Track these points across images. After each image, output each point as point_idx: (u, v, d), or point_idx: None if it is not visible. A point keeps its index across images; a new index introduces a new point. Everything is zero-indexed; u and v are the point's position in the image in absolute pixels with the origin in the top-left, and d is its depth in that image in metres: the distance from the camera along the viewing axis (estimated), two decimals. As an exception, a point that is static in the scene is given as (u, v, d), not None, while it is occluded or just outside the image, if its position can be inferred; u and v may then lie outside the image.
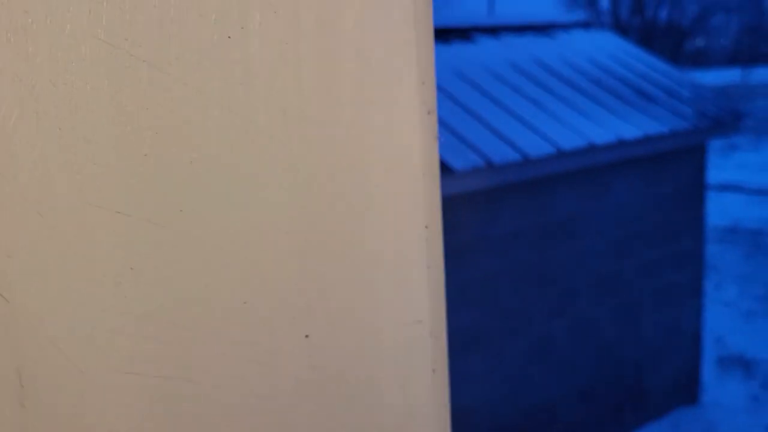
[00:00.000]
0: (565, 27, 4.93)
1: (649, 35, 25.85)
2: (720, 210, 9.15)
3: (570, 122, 3.67)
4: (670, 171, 4.24)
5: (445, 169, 3.14)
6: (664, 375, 4.57)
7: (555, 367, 3.94)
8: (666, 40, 26.74)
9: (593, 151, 3.53)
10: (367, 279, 0.38)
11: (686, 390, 4.75)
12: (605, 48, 4.76)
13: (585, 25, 5.04)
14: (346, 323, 0.39)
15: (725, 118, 4.32)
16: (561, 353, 3.95)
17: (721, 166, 13.20)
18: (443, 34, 4.45)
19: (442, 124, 3.48)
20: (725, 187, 10.30)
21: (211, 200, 0.36)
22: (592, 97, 4.03)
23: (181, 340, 0.36)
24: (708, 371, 5.16)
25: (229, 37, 0.36)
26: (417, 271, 0.39)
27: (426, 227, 0.40)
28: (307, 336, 0.37)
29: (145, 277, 0.35)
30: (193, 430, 0.36)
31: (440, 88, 3.83)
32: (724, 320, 6.18)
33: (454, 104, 3.70)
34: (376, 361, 0.40)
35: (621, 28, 25.21)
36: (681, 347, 4.64)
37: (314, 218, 0.37)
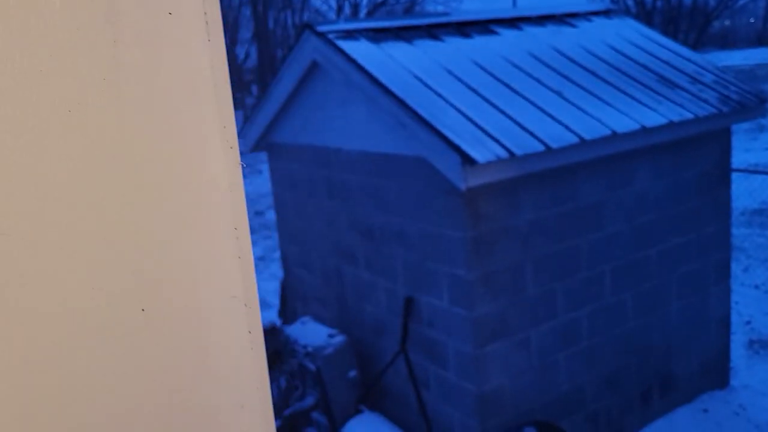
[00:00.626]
0: (587, 15, 4.93)
1: (674, 18, 25.46)
2: (748, 192, 9.04)
3: (592, 111, 3.68)
4: (694, 156, 4.23)
5: (468, 160, 3.18)
6: (693, 359, 4.58)
7: (582, 354, 3.97)
8: (691, 22, 26.32)
9: (616, 139, 3.55)
10: (195, 268, 0.52)
11: (715, 374, 4.76)
12: (627, 35, 4.75)
13: (606, 13, 5.03)
14: (179, 299, 0.51)
15: (750, 101, 4.30)
16: (588, 340, 3.99)
17: (749, 148, 13.01)
18: (464, 27, 4.48)
19: (464, 116, 3.52)
20: (754, 169, 10.16)
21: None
22: (613, 85, 4.04)
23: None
24: (737, 354, 5.15)
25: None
26: (230, 260, 0.53)
27: (235, 229, 0.54)
28: (143, 309, 0.50)
29: None
30: None
31: (461, 81, 3.86)
32: (753, 303, 6.14)
33: (476, 96, 3.73)
34: (204, 327, 0.53)
35: (645, 13, 24.85)
36: (709, 331, 4.64)
37: (144, 229, 0.49)
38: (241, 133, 5.61)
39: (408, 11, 36.55)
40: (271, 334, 4.79)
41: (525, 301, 3.68)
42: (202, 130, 0.51)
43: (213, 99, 0.52)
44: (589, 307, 3.91)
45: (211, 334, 0.53)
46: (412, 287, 4.02)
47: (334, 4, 38.89)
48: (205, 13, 0.51)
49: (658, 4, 26.82)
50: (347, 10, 37.33)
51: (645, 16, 25.15)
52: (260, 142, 5.49)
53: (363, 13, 36.89)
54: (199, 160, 0.51)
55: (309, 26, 4.26)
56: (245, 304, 0.55)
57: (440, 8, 35.57)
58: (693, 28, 26.08)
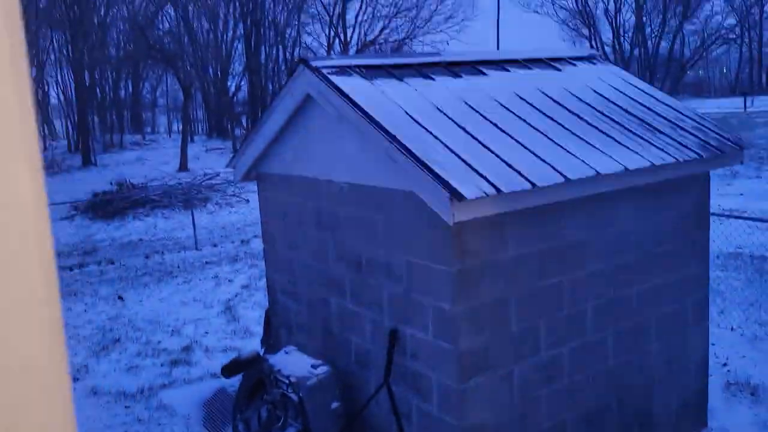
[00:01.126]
0: (571, 60, 5.10)
1: (650, 66, 26.16)
2: (724, 236, 9.23)
3: (576, 152, 3.80)
4: (674, 199, 4.36)
5: (457, 195, 3.27)
6: (672, 399, 4.63)
7: (564, 390, 4.02)
8: (667, 71, 27.04)
9: (599, 179, 3.66)
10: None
11: (694, 414, 4.81)
12: (610, 80, 4.91)
13: (590, 59, 5.21)
14: None
15: (728, 147, 4.45)
16: (569, 377, 4.04)
17: (724, 193, 13.29)
18: (454, 67, 4.62)
19: (452, 153, 3.62)
20: (729, 214, 10.38)
21: None
22: (597, 128, 4.17)
23: None
24: (714, 396, 5.22)
25: None
26: (27, 271, 0.54)
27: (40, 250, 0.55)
28: None
29: None
30: None
31: (450, 119, 3.97)
32: (729, 345, 6.24)
33: (465, 134, 3.84)
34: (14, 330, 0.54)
35: (623, 60, 25.52)
36: (689, 371, 4.71)
37: None
38: (231, 163, 5.68)
39: (396, 51, 37.17)
40: (254, 362, 4.78)
41: (508, 336, 3.73)
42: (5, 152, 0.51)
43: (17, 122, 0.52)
44: (571, 344, 3.97)
45: (15, 334, 0.53)
46: (398, 319, 4.06)
47: (324, 41, 39.48)
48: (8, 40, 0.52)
49: (636, 52, 27.57)
50: (338, 47, 37.87)
51: (622, 64, 25.86)
52: (250, 172, 5.56)
53: (353, 50, 37.45)
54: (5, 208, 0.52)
55: (304, 61, 4.37)
56: (44, 304, 0.55)
57: (428, 49, 36.23)
58: (669, 77, 26.80)
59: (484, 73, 4.65)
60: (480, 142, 3.78)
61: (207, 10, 36.01)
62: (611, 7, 27.50)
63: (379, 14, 37.41)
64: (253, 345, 7.00)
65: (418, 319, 3.87)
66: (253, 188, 9.37)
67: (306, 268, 5.01)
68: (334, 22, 38.03)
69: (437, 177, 3.37)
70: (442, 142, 3.70)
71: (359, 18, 37.93)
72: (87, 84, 35.38)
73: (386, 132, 3.70)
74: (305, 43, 41.41)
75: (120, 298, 9.23)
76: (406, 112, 3.94)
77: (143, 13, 35.71)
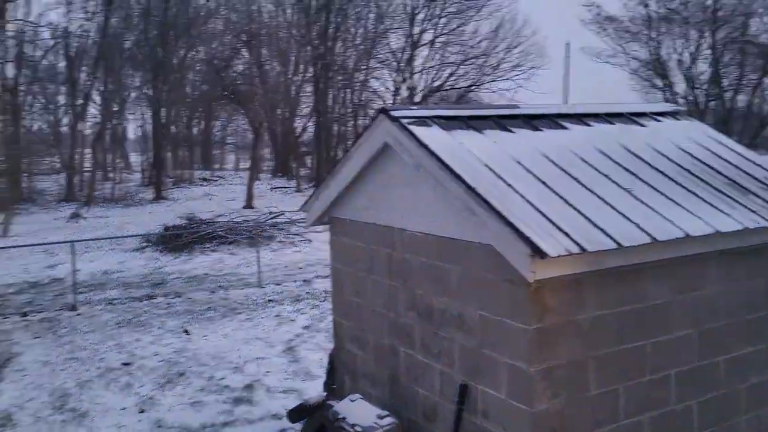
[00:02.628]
0: (654, 115, 4.99)
1: (726, 119, 25.43)
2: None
3: (663, 211, 3.68)
4: (765, 264, 4.14)
5: (538, 252, 3.19)
6: (758, 478, 4.33)
7: (642, 461, 3.81)
8: (745, 124, 26.22)
9: (688, 242, 3.52)
10: None
11: (782, 496, 4.47)
12: (695, 137, 4.77)
13: (674, 114, 5.08)
14: None
15: (822, 212, 4.22)
16: (648, 447, 3.83)
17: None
18: (533, 120, 4.58)
19: (533, 207, 3.56)
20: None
21: None
22: (683, 186, 4.03)
23: None
24: (805, 477, 4.84)
25: None
26: None
27: None
28: None
29: None
30: None
31: (530, 172, 3.92)
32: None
33: (545, 188, 3.78)
34: None
35: (698, 112, 24.92)
36: (776, 449, 4.40)
37: None
38: (305, 207, 5.75)
39: (461, 98, 37.41)
40: (320, 408, 4.74)
41: (586, 400, 3.58)
42: None
43: None
44: (653, 412, 3.78)
45: None
46: (469, 374, 3.96)
47: (391, 86, 40.12)
48: None
49: (711, 104, 26.86)
50: (404, 92, 38.37)
51: (697, 116, 25.21)
52: (323, 216, 5.62)
53: (419, 96, 37.88)
54: None
55: (383, 110, 4.42)
56: None
57: (494, 97, 36.28)
58: (747, 130, 25.94)
59: (564, 127, 4.59)
60: (561, 198, 3.71)
61: (279, 53, 37.26)
62: (686, 58, 27.00)
63: (446, 61, 37.83)
64: (314, 388, 6.97)
65: (490, 376, 3.77)
66: (316, 229, 9.49)
67: (374, 315, 4.98)
68: (402, 68, 38.64)
69: (518, 232, 3.31)
70: (522, 196, 3.65)
71: (427, 64, 38.43)
72: (163, 121, 36.94)
73: (465, 183, 3.68)
74: (372, 87, 42.17)
75: (186, 332, 9.39)
76: (485, 164, 3.92)
77: (220, 56, 37.24)
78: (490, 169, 3.84)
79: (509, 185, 3.71)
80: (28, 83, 34.70)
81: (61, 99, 40.44)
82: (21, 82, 32.95)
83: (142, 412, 6.54)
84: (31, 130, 37.05)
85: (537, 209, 3.53)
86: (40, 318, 10.52)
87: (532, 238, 3.24)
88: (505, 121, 4.52)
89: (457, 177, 3.70)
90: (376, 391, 5.01)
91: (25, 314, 10.80)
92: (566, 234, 3.36)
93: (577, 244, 3.29)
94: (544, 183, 3.81)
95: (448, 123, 4.36)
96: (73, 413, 6.55)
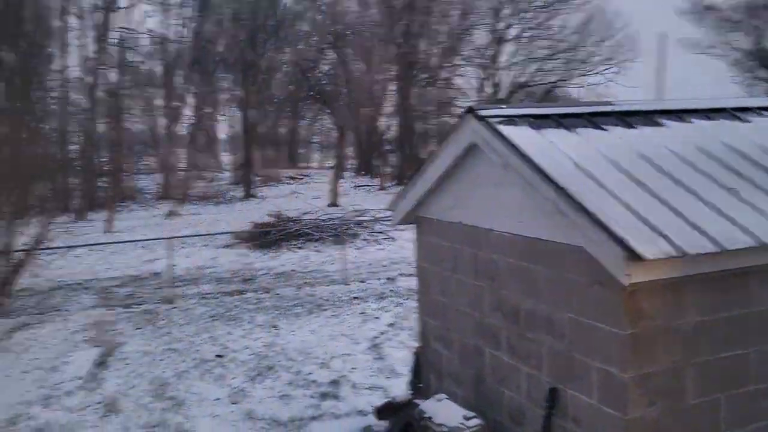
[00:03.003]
0: (760, 110, 4.71)
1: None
2: None
3: (770, 213, 3.47)
4: None
5: (634, 255, 3.09)
6: None
7: (745, 475, 3.62)
8: None
9: (799, 245, 3.31)
10: None
11: None
12: (806, 133, 4.47)
13: (782, 109, 4.78)
14: None
15: None
16: (752, 461, 3.63)
17: None
18: (627, 117, 4.43)
19: (628, 208, 3.44)
20: None
21: None
22: (793, 186, 3.79)
23: None
24: None
25: None
26: None
27: None
28: None
29: None
30: None
31: (625, 172, 3.80)
32: None
33: (641, 188, 3.65)
34: None
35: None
36: None
37: None
38: (391, 206, 5.81)
39: (548, 93, 36.58)
40: (406, 406, 4.78)
41: (684, 410, 3.44)
42: None
43: None
44: (757, 423, 3.58)
45: None
46: (558, 378, 3.89)
47: (475, 83, 39.75)
48: None
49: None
50: (488, 89, 37.94)
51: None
52: (409, 215, 5.65)
53: (504, 92, 37.34)
54: None
55: (471, 110, 4.40)
56: None
57: (582, 92, 35.25)
58: None
59: (660, 124, 4.42)
60: (658, 198, 3.57)
61: (364, 52, 37.67)
62: (792, 47, 25.31)
63: (533, 57, 37.08)
64: (398, 385, 7.03)
65: (581, 381, 3.68)
66: (400, 227, 9.58)
67: (460, 315, 4.97)
68: (486, 64, 38.20)
69: (612, 234, 3.22)
70: (615, 197, 3.54)
71: (512, 60, 37.81)
72: (252, 122, 38.16)
73: (555, 183, 3.61)
74: (456, 85, 41.92)
75: (275, 327, 9.68)
76: (576, 164, 3.83)
77: (306, 56, 38.10)
78: (582, 169, 3.75)
79: (602, 186, 3.61)
80: (128, 87, 36.69)
81: (158, 102, 42.55)
82: (122, 87, 34.90)
83: (234, 403, 6.80)
84: (130, 131, 39.15)
85: (632, 210, 3.41)
86: (140, 310, 11.12)
87: (627, 240, 3.14)
88: (597, 119, 4.39)
89: (548, 177, 3.63)
90: (461, 390, 5.00)
91: (127, 306, 11.44)
92: (664, 236, 3.23)
93: (676, 247, 3.16)
94: (639, 183, 3.68)
95: (538, 122, 4.28)
96: (171, 401, 6.89)
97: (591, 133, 4.23)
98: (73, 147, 29.11)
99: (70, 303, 11.84)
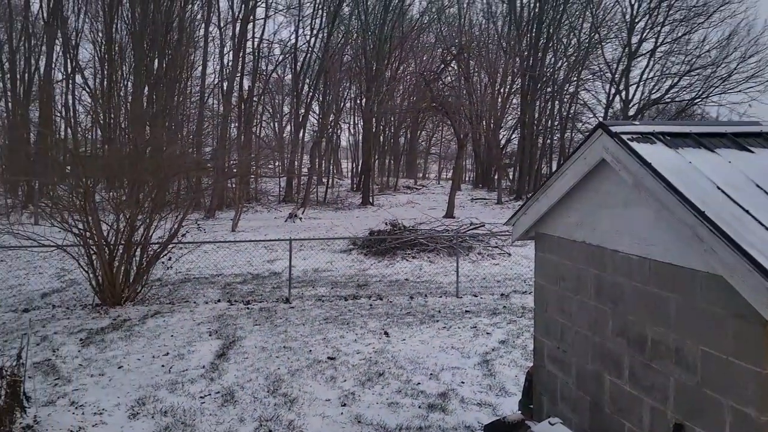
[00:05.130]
0: None
1: None
2: None
3: None
4: None
5: (780, 289, 2.85)
6: None
7: None
8: None
9: None
10: None
11: None
12: None
13: None
14: None
15: None
16: None
17: None
18: (743, 138, 4.10)
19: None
20: None
21: None
22: None
23: None
24: None
25: None
26: None
27: None
28: None
29: None
30: None
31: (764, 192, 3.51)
32: None
33: (790, 217, 3.36)
34: None
35: None
36: None
37: None
38: (511, 221, 5.70)
39: (683, 111, 34.60)
40: (518, 427, 4.67)
41: (831, 462, 3.11)
42: None
43: None
44: None
45: None
46: (684, 413, 3.64)
47: (603, 98, 38.34)
48: None
49: None
50: (618, 105, 36.45)
51: None
52: (529, 231, 5.53)
53: (633, 109, 35.74)
54: None
55: (602, 125, 4.24)
56: None
57: (723, 111, 33.04)
58: None
59: (813, 148, 4.04)
60: (810, 228, 3.27)
61: (488, 64, 37.43)
62: None
63: (668, 72, 35.27)
64: (508, 404, 6.88)
65: (710, 419, 3.43)
66: (516, 243, 9.40)
67: (578, 338, 4.79)
68: (616, 79, 36.77)
69: (754, 263, 2.98)
70: (761, 223, 3.28)
71: (645, 75, 36.16)
72: (373, 130, 38.96)
73: (692, 205, 3.40)
74: (582, 99, 40.68)
75: (386, 333, 9.78)
76: (717, 186, 3.59)
77: (429, 68, 38.41)
78: (724, 192, 3.51)
79: (746, 211, 3.35)
80: (259, 94, 38.63)
81: (286, 109, 44.45)
82: (254, 94, 36.79)
83: (344, 405, 6.93)
84: (259, 136, 41.18)
85: (779, 239, 3.14)
86: (259, 307, 11.62)
87: (773, 271, 2.90)
88: (742, 140, 4.10)
89: (684, 199, 3.43)
90: (576, 416, 4.81)
91: (248, 302, 12.00)
92: (816, 270, 2.95)
93: (830, 283, 2.87)
94: (788, 210, 3.39)
95: (675, 140, 4.06)
96: (284, 398, 7.13)
97: (735, 154, 3.95)
98: (207, 149, 31.03)
99: (197, 295, 12.59)
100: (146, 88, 31.79)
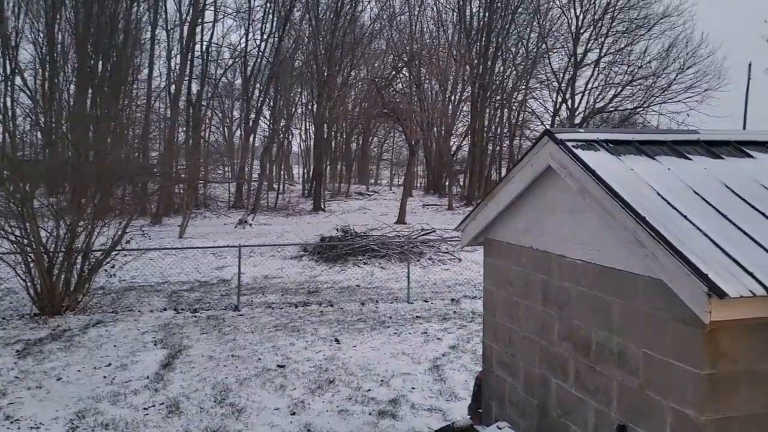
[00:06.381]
0: None
1: None
2: None
3: None
4: None
5: (717, 292, 2.93)
6: None
7: None
8: None
9: None
10: None
11: None
12: None
13: None
14: None
15: None
16: None
17: None
18: (713, 147, 4.24)
19: (712, 242, 3.27)
20: None
21: None
22: None
23: None
24: None
25: None
26: None
27: None
28: None
29: None
30: None
31: (710, 204, 3.62)
32: None
33: (726, 222, 3.47)
34: None
35: None
36: None
37: None
38: (460, 227, 5.74)
39: (625, 120, 35.66)
40: (466, 433, 4.68)
41: (766, 460, 3.21)
42: None
43: None
44: None
45: None
46: (627, 415, 3.72)
47: (551, 106, 39.19)
48: None
49: None
50: (564, 113, 37.31)
51: None
52: (478, 237, 5.57)
53: (579, 117, 36.64)
54: None
55: (548, 132, 4.31)
56: None
57: (663, 120, 34.17)
58: None
59: (750, 155, 4.20)
60: (744, 233, 3.38)
61: (438, 72, 37.80)
62: None
63: (611, 82, 36.31)
64: (458, 409, 6.91)
65: (652, 420, 3.51)
66: (466, 248, 9.47)
67: (527, 342, 4.84)
68: (563, 88, 37.64)
69: (693, 268, 3.06)
70: (699, 229, 3.37)
71: (589, 85, 37.13)
72: (325, 136, 38.84)
73: (634, 212, 3.47)
74: (530, 107, 41.48)
75: (336, 340, 9.72)
76: (658, 193, 3.68)
77: (381, 74, 38.54)
78: (664, 199, 3.60)
79: (685, 217, 3.45)
80: (208, 99, 38.06)
81: (236, 114, 43.91)
82: (203, 98, 36.22)
83: (293, 414, 6.85)
84: (208, 141, 40.54)
85: (716, 244, 3.24)
86: (207, 315, 11.40)
87: (710, 275, 2.98)
88: (681, 147, 4.22)
89: (626, 205, 3.50)
90: (524, 420, 4.85)
91: (195, 311, 11.76)
92: (750, 273, 3.05)
93: (763, 286, 2.97)
94: (725, 216, 3.50)
95: (618, 147, 4.15)
96: (231, 408, 7.00)
97: (674, 161, 4.07)
98: (153, 154, 30.34)
99: (141, 304, 12.26)
100: (90, 91, 30.92)
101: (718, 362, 3.15)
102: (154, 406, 7.03)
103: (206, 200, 35.36)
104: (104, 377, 7.94)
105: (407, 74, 37.69)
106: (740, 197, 3.72)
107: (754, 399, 3.20)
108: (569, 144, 4.10)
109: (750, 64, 30.88)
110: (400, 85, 38.56)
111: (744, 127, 28.02)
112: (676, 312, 3.28)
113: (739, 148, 4.29)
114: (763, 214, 3.58)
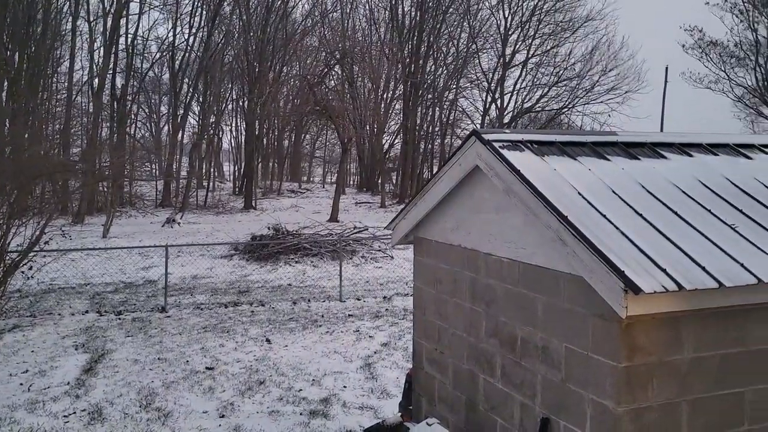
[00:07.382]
0: (762, 147, 4.70)
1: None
2: None
3: (771, 251, 3.44)
4: None
5: (632, 287, 3.06)
6: None
7: None
8: None
9: (800, 286, 3.27)
10: None
11: None
12: (809, 173, 4.45)
13: (786, 147, 4.77)
14: None
15: None
16: (744, 502, 3.56)
17: None
18: (631, 148, 4.42)
19: (628, 240, 3.42)
20: None
21: None
22: (795, 226, 3.76)
23: None
24: None
25: None
26: None
27: None
28: None
29: None
30: None
31: (627, 203, 3.77)
32: None
33: (642, 220, 3.62)
34: None
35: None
36: None
37: None
38: (390, 225, 5.78)
39: (552, 120, 36.74)
40: (396, 429, 4.72)
41: (678, 447, 3.38)
42: None
43: None
44: (752, 465, 3.52)
45: None
46: (551, 408, 3.83)
47: (481, 105, 39.94)
48: None
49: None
50: (494, 112, 38.10)
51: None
52: (408, 235, 5.62)
53: (508, 116, 37.49)
54: None
55: (475, 133, 4.39)
56: None
57: (587, 120, 35.41)
58: None
59: (664, 156, 4.40)
60: (659, 231, 3.54)
61: (370, 70, 37.89)
62: (795, 85, 25.48)
63: (538, 82, 37.33)
64: (390, 406, 6.95)
65: (574, 412, 3.63)
66: (399, 246, 9.57)
67: (455, 339, 4.92)
68: (492, 88, 38.42)
69: (611, 265, 3.19)
70: (616, 228, 3.51)
71: (518, 85, 38.05)
72: (256, 133, 38.26)
73: (557, 211, 3.58)
74: (461, 106, 42.13)
75: (267, 341, 9.61)
76: (579, 193, 3.81)
77: (313, 71, 38.29)
78: (584, 198, 3.73)
79: (604, 216, 3.58)
80: (134, 93, 36.84)
81: (163, 109, 42.71)
82: (128, 92, 35.02)
83: (222, 417, 6.72)
84: (134, 137, 39.26)
85: (632, 242, 3.38)
86: (132, 318, 11.05)
87: (626, 272, 3.11)
88: (601, 149, 4.38)
89: (549, 205, 3.61)
90: (453, 416, 4.93)
91: (119, 313, 11.37)
92: (663, 270, 3.20)
93: (675, 281, 3.13)
94: (641, 215, 3.66)
95: (542, 148, 4.27)
96: (158, 413, 6.81)
97: (594, 162, 4.22)
98: (75, 150, 29.15)
99: (62, 307, 11.77)
100: (5, 83, 29.39)
101: (634, 355, 3.29)
102: (75, 413, 6.76)
103: (132, 198, 34.24)
104: (21, 384, 7.58)
105: (340, 72, 37.61)
106: (655, 196, 3.89)
107: (666, 389, 3.36)
108: (496, 144, 4.19)
109: (667, 68, 32.41)
110: (333, 82, 38.44)
111: (662, 128, 29.38)
112: (596, 308, 3.41)
113: (654, 149, 4.49)
114: (676, 213, 3.76)
